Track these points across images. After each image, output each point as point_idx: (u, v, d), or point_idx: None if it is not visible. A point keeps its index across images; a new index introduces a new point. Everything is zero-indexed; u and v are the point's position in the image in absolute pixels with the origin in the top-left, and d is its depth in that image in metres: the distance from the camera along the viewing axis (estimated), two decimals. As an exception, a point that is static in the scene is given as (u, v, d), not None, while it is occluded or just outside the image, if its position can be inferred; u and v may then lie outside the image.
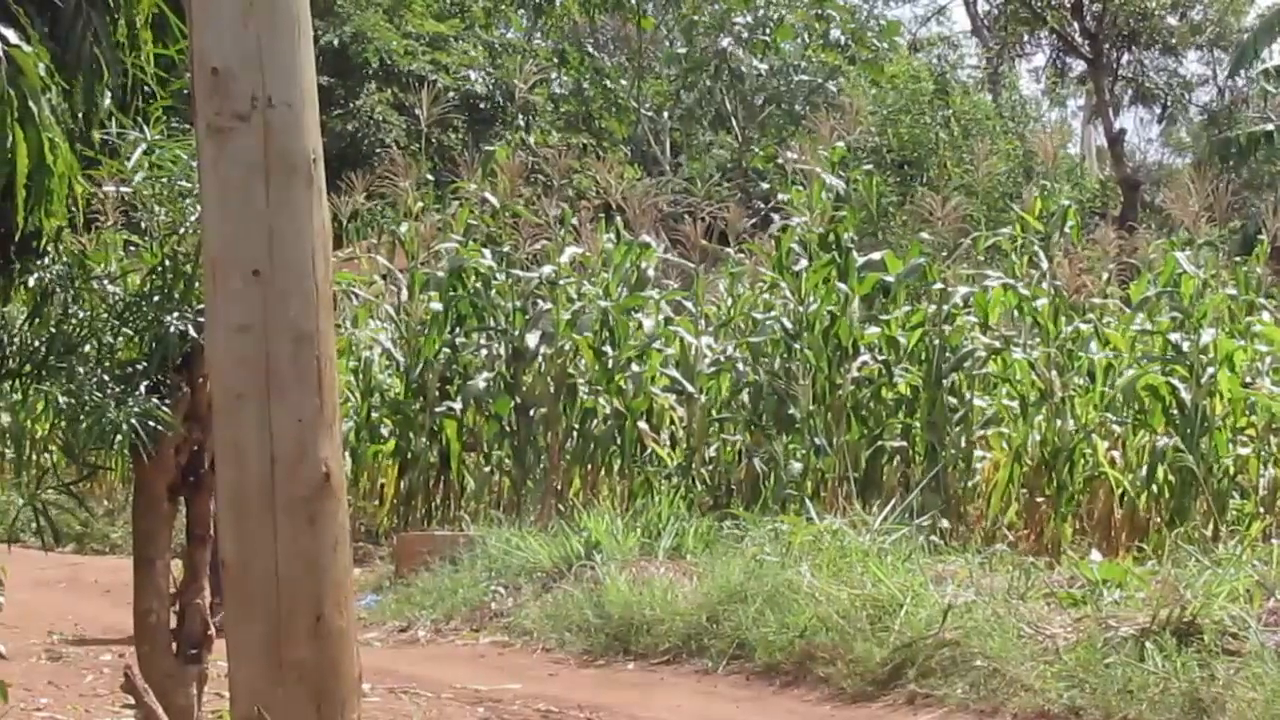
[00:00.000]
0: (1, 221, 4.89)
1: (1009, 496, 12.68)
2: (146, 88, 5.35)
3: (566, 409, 13.79)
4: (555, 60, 30.84)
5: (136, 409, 5.05)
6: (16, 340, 5.40)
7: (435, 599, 10.41)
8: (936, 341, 12.78)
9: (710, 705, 8.00)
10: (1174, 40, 40.56)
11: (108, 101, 5.19)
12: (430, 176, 15.50)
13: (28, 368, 5.34)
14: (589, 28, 32.77)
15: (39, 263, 5.37)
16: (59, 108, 4.93)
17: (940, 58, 37.50)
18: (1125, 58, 40.72)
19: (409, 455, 14.19)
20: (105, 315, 5.45)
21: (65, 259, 5.49)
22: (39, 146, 4.73)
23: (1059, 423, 12.44)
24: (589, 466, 13.77)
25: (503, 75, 28.33)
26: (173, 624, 5.49)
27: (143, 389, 5.21)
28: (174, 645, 5.47)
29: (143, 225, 5.80)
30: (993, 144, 25.76)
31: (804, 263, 13.22)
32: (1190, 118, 45.89)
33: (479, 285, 14.29)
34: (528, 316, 13.93)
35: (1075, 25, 38.13)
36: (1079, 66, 40.58)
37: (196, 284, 5.30)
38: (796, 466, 12.54)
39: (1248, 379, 12.81)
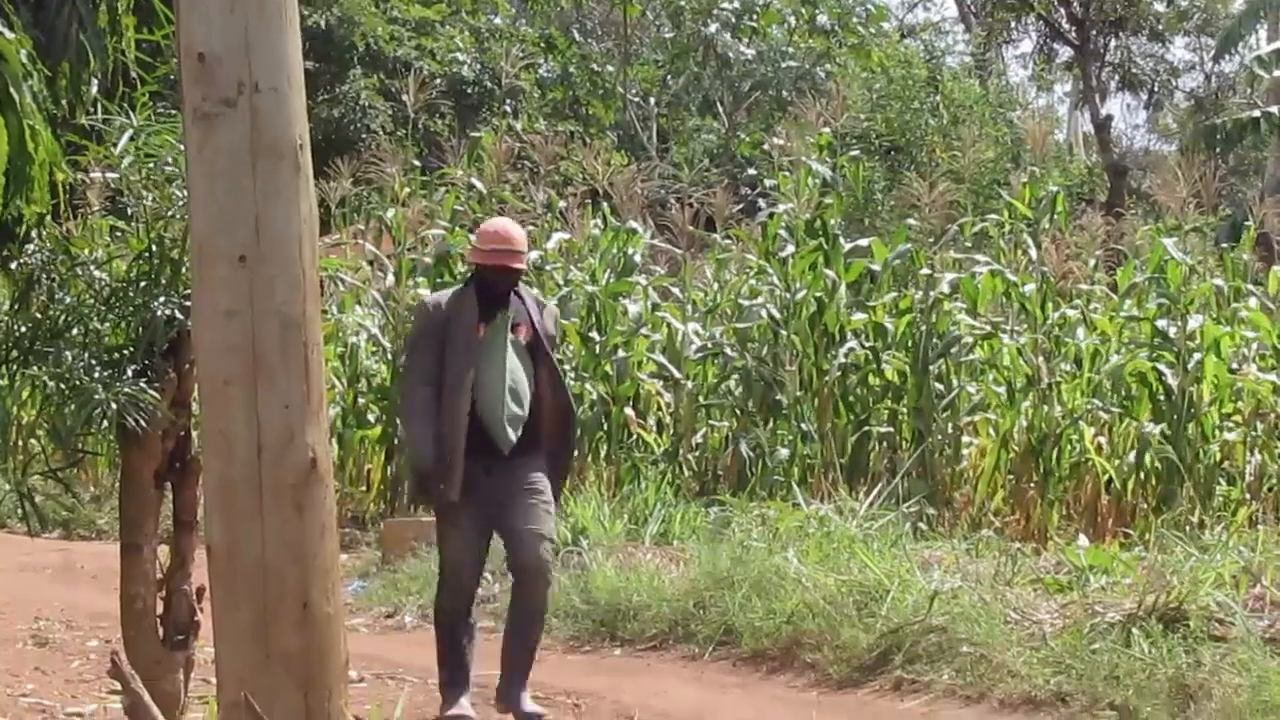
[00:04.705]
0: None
1: (996, 482, 12.69)
2: (131, 73, 5.34)
3: (554, 395, 13.73)
4: (542, 46, 30.77)
5: (124, 391, 5.04)
6: (2, 326, 5.39)
7: (422, 585, 10.38)
8: (924, 327, 12.78)
9: (697, 691, 8.01)
10: (1161, 26, 40.59)
11: (94, 90, 5.18)
12: (417, 162, 15.46)
13: (14, 353, 5.33)
14: (575, 13, 32.69)
15: (22, 249, 5.36)
16: (41, 94, 4.92)
17: (929, 44, 37.44)
18: (1112, 43, 40.73)
19: (396, 441, 14.16)
20: (92, 301, 5.43)
21: (49, 245, 5.47)
22: (20, 133, 4.72)
23: (1046, 409, 12.46)
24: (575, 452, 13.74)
25: (489, 60, 28.26)
26: (160, 610, 5.50)
27: (130, 373, 5.20)
28: (160, 631, 5.48)
29: (129, 211, 5.78)
30: (981, 130, 25.71)
31: (791, 249, 13.20)
32: (1177, 104, 45.97)
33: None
34: (515, 302, 13.87)
35: (1062, 11, 38.12)
36: (1066, 52, 40.58)
37: (183, 269, 5.29)
38: (783, 452, 12.54)
39: (1234, 365, 12.84)
